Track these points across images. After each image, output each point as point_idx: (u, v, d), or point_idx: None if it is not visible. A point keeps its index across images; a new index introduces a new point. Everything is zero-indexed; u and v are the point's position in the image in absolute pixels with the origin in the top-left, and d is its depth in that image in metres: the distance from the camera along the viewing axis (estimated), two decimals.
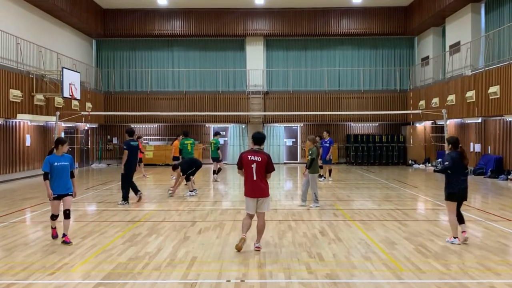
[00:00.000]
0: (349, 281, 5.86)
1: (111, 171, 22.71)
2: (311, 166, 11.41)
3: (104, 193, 14.36)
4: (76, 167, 24.06)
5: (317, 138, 19.13)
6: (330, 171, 17.75)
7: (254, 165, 7.21)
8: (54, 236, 7.95)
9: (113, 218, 10.08)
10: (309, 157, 11.40)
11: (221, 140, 21.51)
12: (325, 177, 17.63)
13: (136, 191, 12.32)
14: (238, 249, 7.20)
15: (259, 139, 7.48)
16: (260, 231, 7.41)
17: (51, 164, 7.61)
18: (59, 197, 7.73)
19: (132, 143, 12.02)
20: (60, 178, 7.66)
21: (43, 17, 21.53)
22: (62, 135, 22.12)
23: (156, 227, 9.10)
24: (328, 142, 17.32)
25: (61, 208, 7.85)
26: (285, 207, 11.50)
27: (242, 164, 7.32)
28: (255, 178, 7.23)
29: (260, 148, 7.46)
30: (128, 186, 12.08)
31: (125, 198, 11.99)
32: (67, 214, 7.68)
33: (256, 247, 7.32)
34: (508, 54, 17.28)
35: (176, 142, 17.61)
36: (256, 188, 7.25)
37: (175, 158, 17.23)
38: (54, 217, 7.81)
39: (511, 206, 11.48)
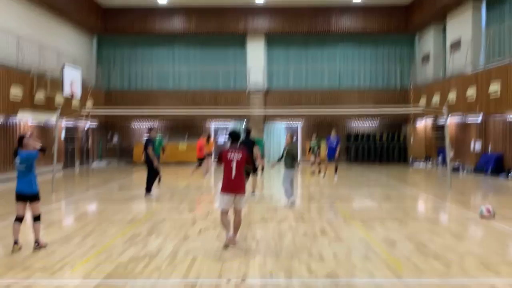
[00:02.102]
0: (349, 280, 5.86)
1: (111, 170, 22.73)
2: (285, 161, 11.52)
3: (105, 192, 14.37)
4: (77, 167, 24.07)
5: (313, 136, 19.72)
6: (336, 168, 17.85)
7: (234, 163, 7.42)
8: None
9: (114, 218, 10.08)
10: (283, 151, 11.69)
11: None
12: (335, 175, 17.89)
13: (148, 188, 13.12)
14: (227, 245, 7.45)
15: (235, 138, 7.77)
16: (237, 227, 7.62)
17: None
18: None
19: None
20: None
21: (44, 14, 21.50)
22: (63, 133, 22.13)
23: (157, 226, 9.10)
24: (335, 140, 17.51)
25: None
26: (286, 207, 11.48)
27: (222, 161, 7.54)
28: (233, 176, 7.40)
29: (238, 145, 7.74)
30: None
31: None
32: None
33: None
34: (509, 52, 17.25)
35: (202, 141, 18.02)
36: (234, 185, 7.42)
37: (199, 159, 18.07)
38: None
39: (511, 205, 11.48)
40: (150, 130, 13.34)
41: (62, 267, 6.46)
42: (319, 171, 19.40)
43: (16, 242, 7.21)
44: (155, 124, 26.79)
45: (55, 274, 6.13)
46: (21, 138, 7.38)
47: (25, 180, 7.34)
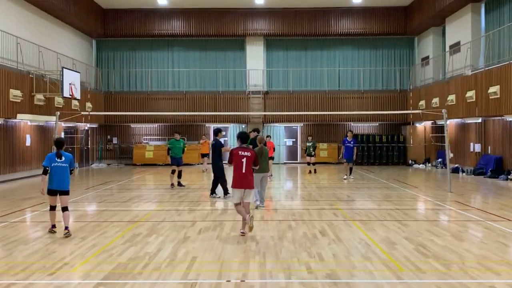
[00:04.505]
0: (349, 281, 5.85)
1: (111, 171, 22.72)
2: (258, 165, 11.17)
3: (104, 193, 14.36)
4: (76, 167, 24.07)
5: (309, 138, 20.51)
6: (351, 169, 17.97)
7: (244, 160, 8.17)
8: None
9: (113, 218, 10.08)
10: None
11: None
12: (347, 176, 17.92)
13: (225, 191, 12.89)
14: (251, 229, 8.11)
15: (244, 138, 8.52)
16: (246, 211, 8.26)
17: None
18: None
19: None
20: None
21: (43, 17, 21.53)
22: (62, 135, 22.12)
23: (156, 227, 9.10)
24: (352, 142, 17.72)
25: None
26: (285, 207, 11.49)
27: (233, 159, 8.27)
28: (244, 171, 8.16)
29: (247, 145, 8.47)
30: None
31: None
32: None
33: (241, 232, 8.21)
34: (508, 54, 17.29)
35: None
36: (244, 180, 8.17)
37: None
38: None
39: (511, 206, 11.48)
40: (218, 132, 13.04)
41: (62, 267, 6.46)
42: (315, 171, 20.44)
43: (54, 226, 8.45)
44: (157, 126, 26.76)
45: (55, 274, 6.12)
46: (62, 142, 8.54)
47: (65, 178, 8.30)
